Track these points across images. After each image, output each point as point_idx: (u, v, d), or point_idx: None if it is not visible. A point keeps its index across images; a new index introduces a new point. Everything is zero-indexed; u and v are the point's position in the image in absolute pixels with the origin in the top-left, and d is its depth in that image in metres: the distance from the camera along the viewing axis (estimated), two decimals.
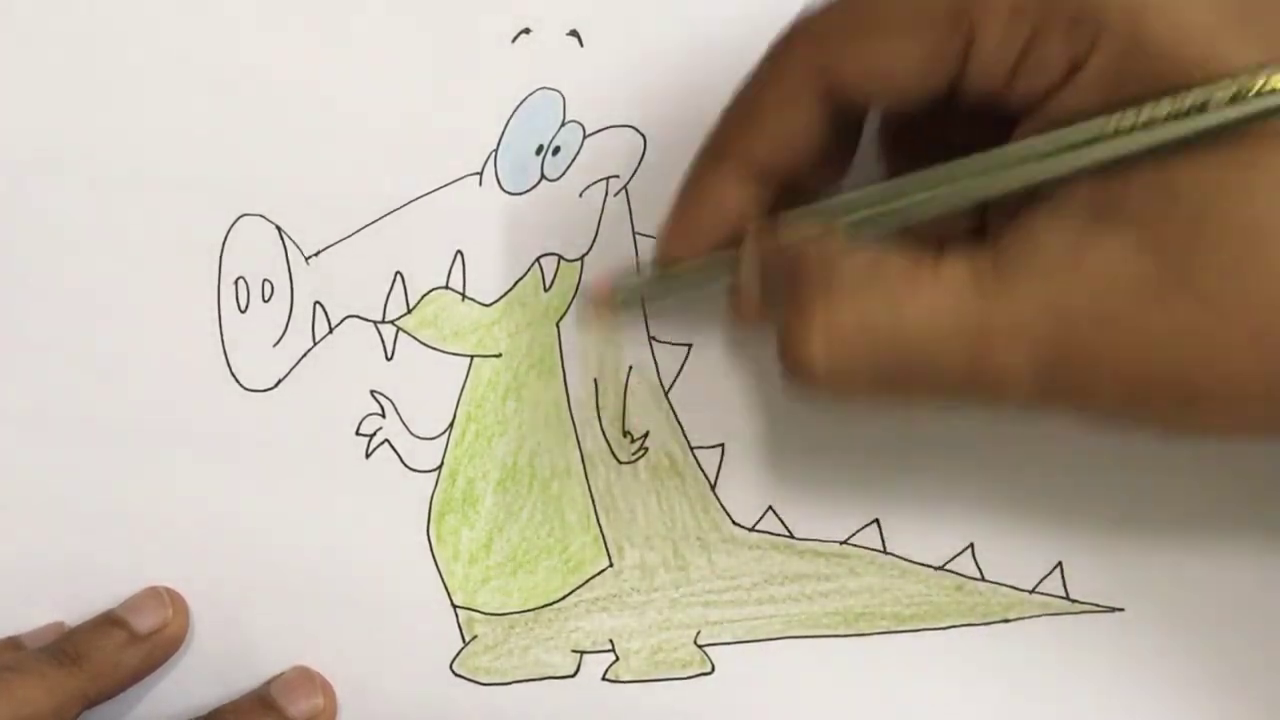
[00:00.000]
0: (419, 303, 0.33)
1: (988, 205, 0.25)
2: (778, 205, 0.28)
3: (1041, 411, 0.24)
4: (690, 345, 0.33)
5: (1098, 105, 0.23)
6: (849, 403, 0.25)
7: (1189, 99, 0.21)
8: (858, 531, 0.32)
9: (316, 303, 0.34)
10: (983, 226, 0.26)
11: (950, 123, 0.26)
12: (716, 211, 0.27)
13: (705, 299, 0.31)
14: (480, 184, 0.33)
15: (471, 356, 0.33)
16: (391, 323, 0.34)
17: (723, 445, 0.33)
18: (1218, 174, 0.22)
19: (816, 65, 0.25)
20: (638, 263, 0.33)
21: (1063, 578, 0.32)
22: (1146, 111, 0.22)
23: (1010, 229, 0.24)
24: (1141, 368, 0.22)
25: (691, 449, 0.33)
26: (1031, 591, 0.32)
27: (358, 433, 0.34)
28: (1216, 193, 0.22)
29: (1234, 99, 0.21)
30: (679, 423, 0.33)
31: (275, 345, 0.34)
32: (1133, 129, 0.22)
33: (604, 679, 0.33)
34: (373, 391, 0.34)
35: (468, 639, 0.33)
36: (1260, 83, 0.21)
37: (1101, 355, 0.22)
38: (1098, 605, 0.31)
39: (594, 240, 0.33)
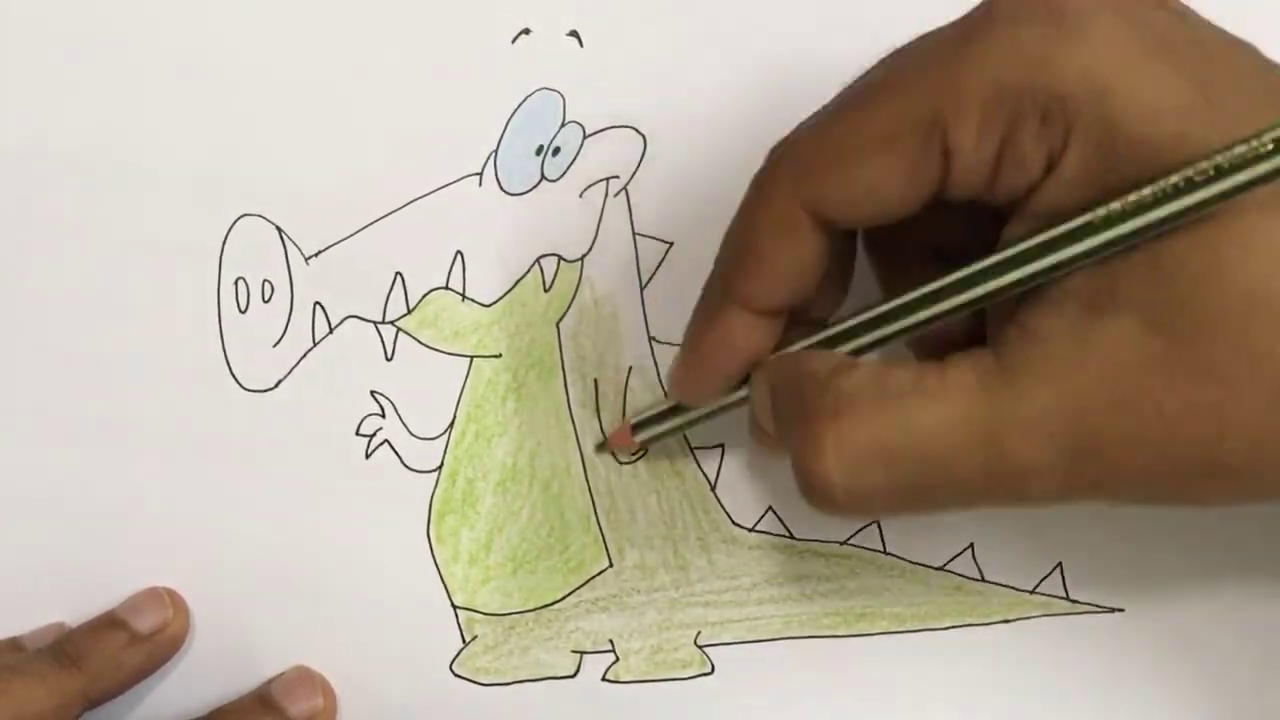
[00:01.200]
0: (419, 303, 0.33)
1: (983, 309, 0.25)
2: (784, 331, 0.28)
3: (1068, 504, 0.24)
4: None
5: (1081, 194, 0.23)
6: (870, 519, 0.24)
7: (1170, 181, 0.21)
8: (858, 531, 0.32)
9: (316, 303, 0.34)
10: (980, 326, 0.26)
11: (936, 220, 0.26)
12: (726, 354, 0.27)
13: None
14: (480, 184, 0.33)
15: (471, 357, 0.33)
16: (391, 323, 0.34)
17: (723, 445, 0.33)
18: (1208, 250, 0.22)
19: (803, 197, 0.25)
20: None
21: (1063, 578, 0.32)
22: (1132, 197, 0.22)
23: (1011, 328, 0.24)
24: (1159, 450, 0.22)
25: (691, 449, 0.33)
26: (1031, 591, 0.32)
27: (358, 433, 0.34)
28: (1209, 268, 0.22)
29: (1214, 176, 0.21)
30: None
31: (275, 346, 0.34)
32: (1120, 217, 0.22)
33: (604, 679, 0.33)
34: (373, 392, 0.34)
35: (468, 639, 0.33)
36: (1237, 157, 0.21)
37: (1119, 441, 0.22)
38: (1098, 605, 0.31)
39: (594, 240, 0.33)
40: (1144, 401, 0.22)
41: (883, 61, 0.25)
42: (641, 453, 0.33)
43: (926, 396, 0.23)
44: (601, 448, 0.33)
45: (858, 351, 0.26)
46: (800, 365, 0.26)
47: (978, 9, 0.24)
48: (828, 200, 0.25)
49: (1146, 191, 0.22)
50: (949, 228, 0.26)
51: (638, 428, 0.31)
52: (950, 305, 0.25)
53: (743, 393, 0.28)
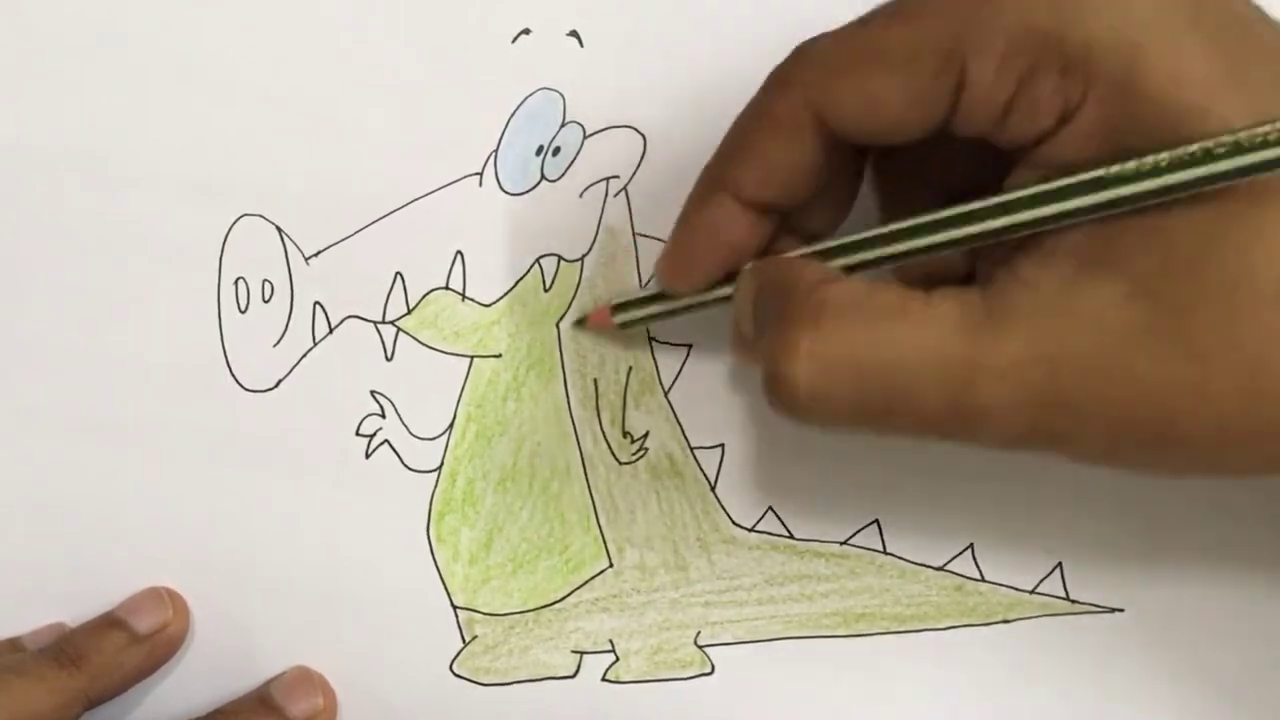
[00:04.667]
0: (419, 303, 0.33)
1: (978, 249, 0.25)
2: (777, 244, 0.28)
3: (1021, 452, 0.24)
4: (690, 345, 0.33)
5: (1092, 151, 0.23)
6: (827, 430, 0.24)
7: (1189, 150, 0.21)
8: (858, 532, 0.32)
9: (316, 303, 0.34)
10: (973, 273, 0.26)
11: (944, 158, 0.26)
12: (713, 242, 0.27)
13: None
14: (480, 184, 0.33)
15: (471, 357, 0.33)
16: (391, 323, 0.34)
17: (723, 445, 0.33)
18: (1213, 227, 0.22)
19: (810, 98, 0.25)
20: (639, 270, 0.33)
21: (1063, 578, 0.32)
22: (1146, 161, 0.22)
23: (1003, 271, 0.24)
24: (1126, 414, 0.22)
25: (691, 449, 0.33)
26: (1031, 592, 0.32)
27: (358, 433, 0.34)
28: (1211, 245, 0.22)
29: (1233, 151, 0.21)
30: (679, 423, 0.33)
31: (275, 345, 0.34)
32: (1131, 177, 0.22)
33: (604, 679, 0.33)
34: (373, 392, 0.34)
35: (468, 639, 0.33)
36: (1259, 136, 0.21)
37: (1086, 402, 0.22)
38: (1098, 605, 0.31)
39: (594, 240, 0.33)
40: (1119, 365, 0.22)
41: None
42: (642, 453, 0.33)
43: (907, 320, 0.23)
44: (581, 324, 0.33)
45: (849, 269, 0.26)
46: (788, 270, 0.26)
47: None
48: (834, 107, 0.25)
49: (1164, 156, 0.22)
50: (956, 170, 0.26)
51: (618, 309, 0.31)
52: (947, 238, 0.25)
53: (726, 290, 0.28)
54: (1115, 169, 0.22)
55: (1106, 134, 0.23)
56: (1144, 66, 0.22)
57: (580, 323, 0.33)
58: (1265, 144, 0.21)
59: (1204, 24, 0.22)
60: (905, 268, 0.27)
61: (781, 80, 0.26)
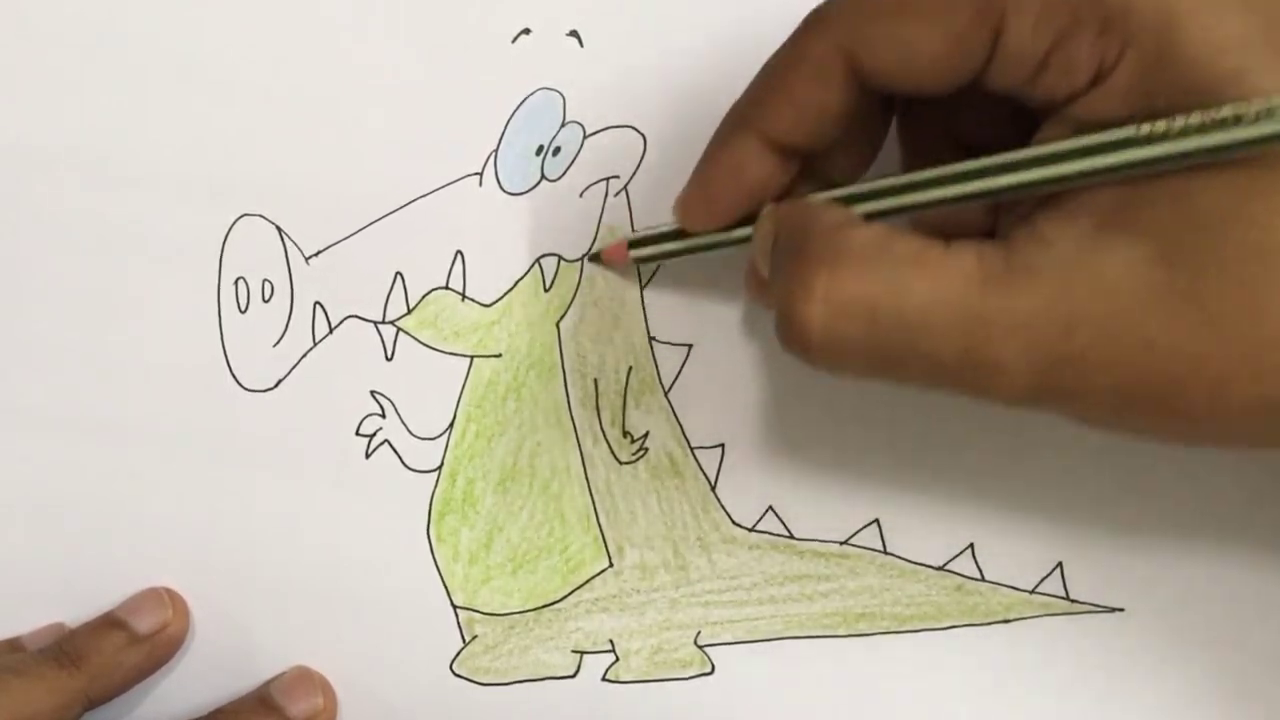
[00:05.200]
0: (419, 303, 0.33)
1: (1001, 206, 0.25)
2: (799, 189, 0.28)
3: (1028, 410, 0.24)
4: (690, 345, 0.33)
5: (1123, 112, 0.23)
6: (837, 374, 0.24)
7: (1221, 113, 0.21)
8: (858, 531, 0.32)
9: (316, 303, 0.34)
10: (993, 231, 0.26)
11: (972, 115, 0.26)
12: (735, 180, 0.27)
13: (707, 301, 0.32)
14: (480, 184, 0.33)
15: (471, 356, 0.33)
16: (391, 323, 0.34)
17: (723, 445, 0.33)
18: (1240, 194, 0.22)
19: (842, 43, 0.25)
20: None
21: (1063, 578, 0.32)
22: (1177, 121, 0.22)
23: (1023, 228, 0.24)
24: (1137, 377, 0.22)
25: (691, 449, 0.33)
26: (1031, 591, 0.32)
27: (358, 433, 0.34)
28: (1236, 213, 0.22)
29: (1265, 117, 0.21)
30: (679, 423, 0.33)
31: (275, 345, 0.34)
32: (1161, 137, 0.22)
33: (604, 679, 0.33)
34: (373, 392, 0.34)
35: (468, 639, 0.33)
36: None
37: (1098, 362, 0.22)
38: (1098, 605, 0.31)
39: (594, 240, 0.33)
40: (1133, 328, 0.22)
41: None
42: (642, 453, 0.33)
43: (925, 269, 0.23)
44: (596, 259, 0.33)
45: (870, 217, 0.26)
46: (809, 212, 0.26)
47: None
48: (868, 51, 0.25)
49: (1195, 118, 0.21)
50: (984, 127, 0.26)
51: (635, 245, 0.31)
52: (970, 189, 0.24)
53: (745, 231, 0.28)
54: (1146, 129, 0.22)
55: (1140, 95, 0.22)
56: (1181, 28, 0.22)
57: (596, 257, 0.32)
58: None
59: None
60: (926, 220, 0.26)
61: (817, 21, 0.26)
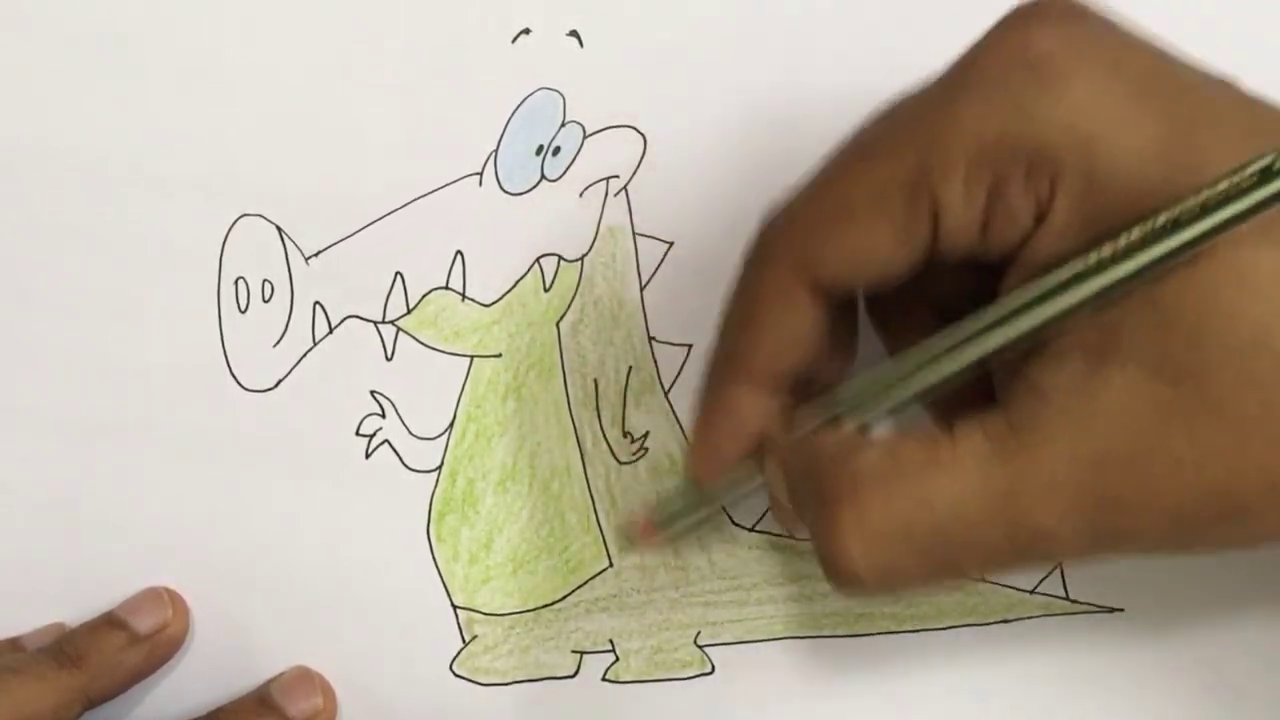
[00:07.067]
0: (419, 303, 0.33)
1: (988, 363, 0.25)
2: (795, 399, 0.27)
3: (1095, 560, 0.23)
4: (690, 345, 0.33)
5: (1073, 244, 0.23)
6: (900, 597, 0.24)
7: (1160, 219, 0.21)
8: None
9: (316, 303, 0.34)
10: (986, 376, 0.26)
11: (938, 279, 0.25)
12: (737, 428, 0.27)
13: (707, 301, 0.31)
14: (480, 184, 0.33)
15: (471, 356, 0.33)
16: (391, 323, 0.34)
17: None
18: (1205, 289, 0.22)
19: (797, 267, 0.25)
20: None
21: (1063, 578, 0.32)
22: (1121, 240, 0.22)
23: (1018, 384, 0.23)
24: (1182, 495, 0.22)
25: None
26: (1031, 591, 0.32)
27: (358, 433, 0.34)
28: (1208, 309, 0.21)
29: (1201, 213, 0.21)
30: (679, 422, 0.33)
31: (275, 345, 0.34)
32: (1113, 260, 0.22)
33: (604, 679, 0.33)
34: (373, 391, 0.34)
35: (468, 639, 0.33)
36: (1224, 190, 0.21)
37: (1137, 493, 0.22)
38: (1098, 605, 0.31)
39: (594, 240, 0.33)
40: (1157, 451, 0.22)
41: (865, 125, 0.25)
42: (642, 453, 0.33)
43: (941, 469, 0.23)
44: (627, 546, 0.33)
45: (864, 414, 0.26)
46: (812, 448, 0.25)
47: (958, 65, 0.24)
48: (822, 267, 0.25)
49: (1135, 234, 0.22)
50: (950, 286, 0.26)
51: (661, 523, 0.31)
52: (953, 369, 0.24)
53: (760, 480, 0.28)
54: (1094, 258, 0.22)
55: (1082, 223, 0.23)
56: (1102, 150, 0.22)
57: (626, 543, 0.33)
58: (1229, 198, 0.21)
59: (1150, 96, 0.22)
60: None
61: (762, 257, 0.26)
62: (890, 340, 0.29)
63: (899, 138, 0.24)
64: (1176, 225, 0.21)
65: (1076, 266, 0.22)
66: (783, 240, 0.25)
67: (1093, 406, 0.22)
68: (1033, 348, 0.23)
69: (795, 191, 0.26)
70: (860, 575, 0.24)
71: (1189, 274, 0.22)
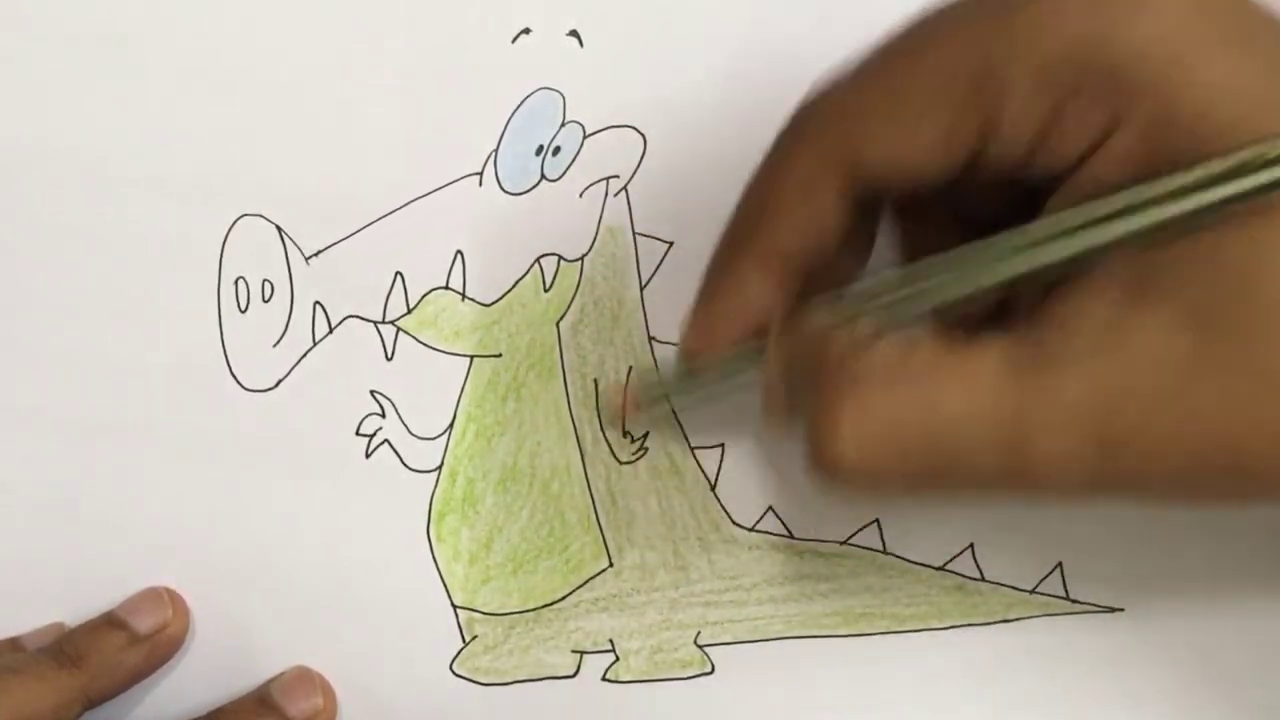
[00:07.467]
0: (419, 303, 0.33)
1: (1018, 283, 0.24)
2: (801, 294, 0.26)
3: (1090, 501, 0.23)
4: None
5: (1129, 175, 0.22)
6: (881, 501, 0.24)
7: (1228, 162, 0.20)
8: (858, 531, 0.32)
9: (316, 303, 0.34)
10: (1009, 300, 0.25)
11: (965, 194, 0.24)
12: (739, 305, 0.26)
13: None
14: (480, 184, 0.33)
15: (471, 356, 0.33)
16: (391, 323, 0.34)
17: (723, 445, 0.33)
18: (1259, 242, 0.21)
19: (833, 154, 0.24)
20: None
21: (1063, 578, 0.32)
22: (1185, 177, 0.21)
23: (1044, 310, 0.23)
24: (1195, 445, 0.21)
25: (691, 449, 0.33)
26: (1031, 591, 0.32)
27: (358, 433, 0.34)
28: (1259, 262, 0.21)
29: (1269, 163, 0.20)
30: (679, 423, 0.33)
31: (275, 345, 0.34)
32: (1171, 196, 0.21)
33: (604, 679, 0.33)
34: (373, 391, 0.34)
35: (468, 639, 0.33)
36: None
37: (1153, 437, 0.21)
38: (1098, 605, 0.31)
39: (594, 240, 0.33)
40: (1179, 398, 0.21)
41: (922, 18, 0.23)
42: (642, 453, 0.33)
43: (951, 379, 0.22)
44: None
45: (879, 314, 0.25)
46: (820, 339, 0.25)
47: None
48: (859, 157, 0.24)
49: (1201, 172, 0.21)
50: (984, 200, 0.25)
51: (643, 401, 0.31)
52: (986, 283, 0.23)
53: (751, 351, 0.27)
54: (1158, 188, 0.21)
55: (1145, 154, 0.22)
56: (1180, 82, 0.21)
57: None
58: None
59: (1236, 35, 0.21)
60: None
61: (795, 139, 0.25)
62: (910, 246, 0.28)
63: (967, 30, 0.22)
64: (1245, 170, 0.20)
65: (1131, 197, 0.21)
66: (820, 124, 0.24)
67: (1122, 342, 0.21)
68: (1066, 275, 0.23)
69: (837, 76, 0.24)
70: (845, 471, 0.23)
71: (1245, 226, 0.21)
